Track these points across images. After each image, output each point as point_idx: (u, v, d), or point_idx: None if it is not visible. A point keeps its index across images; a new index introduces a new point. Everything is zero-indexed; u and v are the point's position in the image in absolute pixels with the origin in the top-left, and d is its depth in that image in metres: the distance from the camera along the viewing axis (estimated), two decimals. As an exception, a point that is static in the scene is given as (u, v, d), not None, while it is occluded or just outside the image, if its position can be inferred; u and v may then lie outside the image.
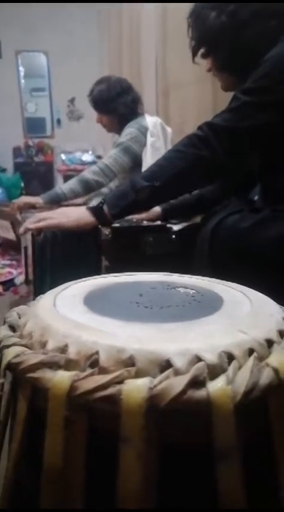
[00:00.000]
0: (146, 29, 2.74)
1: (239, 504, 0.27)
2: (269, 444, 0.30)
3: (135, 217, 1.11)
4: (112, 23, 3.23)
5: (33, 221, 0.93)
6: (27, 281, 1.21)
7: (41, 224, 0.92)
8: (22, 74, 4.03)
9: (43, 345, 0.31)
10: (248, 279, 0.46)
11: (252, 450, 0.29)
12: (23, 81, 4.05)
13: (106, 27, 3.41)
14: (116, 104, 1.71)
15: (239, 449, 0.27)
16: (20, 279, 1.77)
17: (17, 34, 3.80)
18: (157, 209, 1.12)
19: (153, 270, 0.53)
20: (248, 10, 0.83)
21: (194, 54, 0.93)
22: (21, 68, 4.01)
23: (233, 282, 0.46)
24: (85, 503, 0.28)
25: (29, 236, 0.97)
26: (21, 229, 0.98)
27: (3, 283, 1.74)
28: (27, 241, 1.04)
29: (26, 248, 1.14)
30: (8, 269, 1.94)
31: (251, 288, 0.43)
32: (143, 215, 1.10)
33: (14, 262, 2.06)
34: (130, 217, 1.10)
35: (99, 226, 0.94)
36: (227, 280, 0.48)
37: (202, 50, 0.92)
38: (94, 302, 0.38)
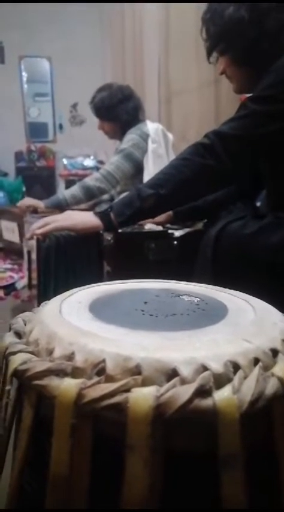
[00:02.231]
0: (149, 35, 2.76)
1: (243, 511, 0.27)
2: (273, 452, 0.30)
3: (148, 220, 1.11)
4: (115, 29, 3.26)
5: (40, 225, 0.93)
6: (30, 286, 1.21)
7: (48, 227, 0.92)
8: (25, 79, 4.06)
9: (50, 352, 0.31)
10: (251, 285, 0.46)
11: (256, 458, 0.29)
12: (25, 86, 4.08)
13: (109, 34, 3.44)
14: (118, 111, 1.72)
15: (244, 457, 0.27)
16: (21, 283, 1.77)
17: (20, 39, 3.83)
18: (168, 212, 1.12)
19: (155, 275, 0.53)
20: (267, 4, 0.81)
21: (209, 53, 0.92)
22: (24, 73, 4.04)
23: (236, 288, 0.47)
24: (90, 511, 0.28)
25: (33, 241, 0.98)
26: (28, 235, 0.98)
27: (5, 287, 1.74)
28: (31, 245, 1.04)
29: (29, 253, 1.14)
30: (9, 273, 1.94)
31: (253, 294, 0.43)
32: (156, 219, 1.10)
33: (16, 267, 2.06)
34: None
35: (101, 232, 0.95)
36: (230, 286, 0.48)
37: (219, 47, 0.90)
38: (100, 309, 0.38)
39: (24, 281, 1.72)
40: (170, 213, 1.12)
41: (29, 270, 1.19)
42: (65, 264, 0.98)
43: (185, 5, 2.15)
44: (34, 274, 1.05)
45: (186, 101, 2.37)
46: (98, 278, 0.99)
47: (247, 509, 0.27)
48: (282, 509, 0.31)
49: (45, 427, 0.30)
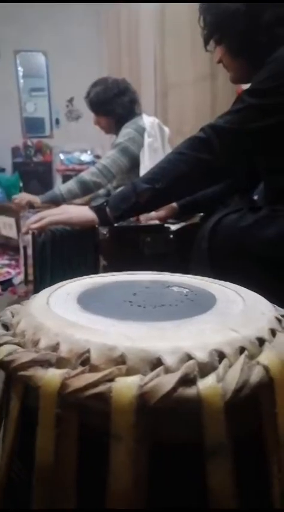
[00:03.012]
0: (145, 29, 2.74)
1: (229, 501, 0.27)
2: (260, 441, 0.30)
3: (153, 215, 1.11)
4: (111, 23, 3.24)
5: (35, 220, 0.93)
6: (26, 281, 1.21)
7: (43, 221, 0.92)
8: (21, 73, 4.03)
9: (35, 343, 0.31)
10: (246, 278, 0.46)
11: (244, 447, 0.29)
12: (21, 81, 4.05)
13: (105, 28, 3.42)
14: (113, 105, 1.71)
15: (230, 446, 0.27)
16: (18, 279, 1.77)
17: (16, 34, 3.79)
18: (173, 205, 1.11)
19: (151, 269, 0.53)
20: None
21: (206, 42, 0.91)
22: (20, 68, 4.01)
23: (231, 280, 0.46)
24: (76, 500, 0.28)
25: (29, 236, 0.97)
26: (23, 229, 0.98)
27: (2, 283, 1.74)
28: (27, 241, 1.04)
29: (25, 248, 1.14)
30: (6, 269, 1.94)
31: (249, 286, 0.43)
32: (161, 213, 1.10)
33: (13, 262, 2.06)
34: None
35: (97, 226, 0.94)
36: (225, 278, 0.48)
37: (215, 37, 0.89)
38: (88, 301, 0.38)
39: (21, 277, 1.72)
40: (173, 207, 1.11)
41: (25, 265, 1.19)
42: (61, 258, 0.98)
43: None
44: (30, 270, 1.05)
45: (182, 95, 2.36)
46: (94, 272, 0.99)
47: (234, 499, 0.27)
48: (270, 499, 0.31)
49: (32, 417, 0.30)
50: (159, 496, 0.28)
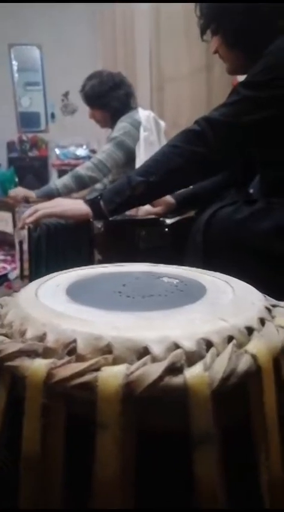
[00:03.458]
0: (139, 22, 2.72)
1: (216, 490, 0.27)
2: (248, 430, 0.30)
3: (151, 210, 1.10)
4: (106, 16, 3.21)
5: (30, 213, 0.92)
6: (22, 276, 1.20)
7: (37, 214, 0.91)
8: (15, 68, 4.00)
9: (22, 333, 0.31)
10: (241, 270, 0.45)
11: (231, 436, 0.29)
12: (16, 75, 4.02)
13: (100, 21, 3.39)
14: (109, 98, 1.70)
15: (218, 435, 0.27)
16: (14, 274, 1.76)
17: (10, 27, 3.76)
18: (172, 201, 1.11)
19: (146, 263, 0.52)
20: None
21: (202, 32, 0.90)
22: (14, 62, 3.98)
23: (226, 273, 0.46)
24: (63, 489, 0.28)
25: (25, 231, 0.97)
26: (19, 224, 0.97)
27: (-3, 278, 1.73)
28: (23, 236, 1.03)
29: (21, 242, 1.13)
30: (2, 264, 1.93)
31: (243, 279, 0.43)
32: (159, 208, 1.10)
33: (9, 258, 2.05)
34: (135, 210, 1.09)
35: (91, 220, 0.94)
36: (220, 271, 0.47)
37: (212, 26, 0.88)
38: (77, 292, 0.38)
39: (17, 272, 1.71)
40: (171, 203, 1.11)
41: (21, 260, 1.18)
42: (56, 253, 0.97)
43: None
44: (26, 265, 1.04)
45: (178, 88, 2.35)
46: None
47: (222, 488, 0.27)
48: (258, 487, 0.31)
49: (20, 408, 0.30)
50: (146, 485, 0.28)
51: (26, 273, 1.04)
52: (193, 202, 1.12)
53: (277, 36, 0.77)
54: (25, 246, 0.99)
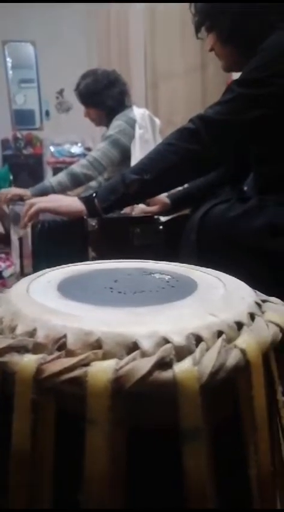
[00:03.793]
0: (134, 19, 2.72)
1: (205, 484, 0.27)
2: (237, 424, 0.30)
3: (146, 209, 1.10)
4: (101, 14, 3.20)
5: (26, 209, 0.92)
6: (22, 273, 1.19)
7: (33, 209, 0.91)
8: (10, 64, 3.97)
9: (12, 329, 0.31)
10: (234, 268, 0.46)
11: (220, 430, 0.29)
12: (10, 72, 3.99)
13: (94, 18, 3.37)
14: (103, 97, 1.69)
15: (207, 429, 0.27)
16: (8, 272, 1.76)
17: (4, 24, 3.73)
18: (166, 201, 1.11)
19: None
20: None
21: (197, 29, 0.90)
22: (8, 59, 3.95)
23: (219, 270, 0.46)
24: (53, 485, 0.28)
25: (28, 228, 0.96)
26: (21, 224, 0.96)
27: (-9, 276, 1.73)
28: (24, 232, 1.02)
29: (21, 239, 1.13)
30: (-5, 262, 1.93)
31: (236, 275, 0.43)
32: (153, 208, 1.10)
33: (3, 255, 2.05)
34: (129, 209, 1.09)
35: (85, 217, 0.94)
36: (214, 268, 0.48)
37: (206, 24, 0.88)
38: (68, 288, 0.38)
39: (11, 269, 1.71)
40: (165, 202, 1.11)
41: (21, 257, 1.17)
42: (56, 249, 0.97)
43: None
44: (27, 261, 1.04)
45: (173, 86, 2.34)
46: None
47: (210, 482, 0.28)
48: (247, 481, 0.31)
49: (11, 405, 0.30)
50: (137, 479, 0.28)
51: (27, 270, 1.04)
52: (188, 202, 1.12)
53: (270, 32, 0.77)
54: (28, 242, 0.98)
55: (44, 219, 0.95)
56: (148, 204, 1.11)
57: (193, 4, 0.89)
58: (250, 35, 0.82)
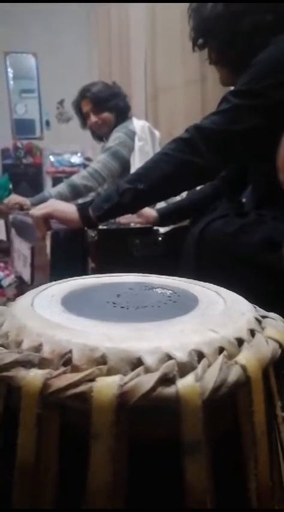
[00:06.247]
0: (135, 32, 2.76)
1: (205, 498, 0.27)
2: (237, 438, 0.30)
3: (133, 220, 1.11)
4: (101, 25, 3.24)
5: (35, 222, 0.93)
6: (32, 281, 1.19)
7: (34, 219, 0.93)
8: (11, 75, 4.02)
9: (18, 344, 0.32)
10: (233, 282, 0.47)
11: (221, 444, 0.30)
12: (11, 82, 4.04)
13: (95, 30, 3.43)
14: (116, 100, 1.71)
15: (208, 443, 0.28)
16: (7, 281, 1.76)
17: (6, 35, 3.78)
18: (153, 214, 1.12)
19: (140, 271, 0.53)
20: (241, 4, 0.82)
21: (194, 44, 0.93)
22: (9, 70, 4.00)
23: (218, 284, 0.47)
24: (57, 498, 0.28)
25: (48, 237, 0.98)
26: (39, 234, 0.97)
27: (-10, 285, 1.73)
28: (35, 243, 1.04)
29: (33, 248, 1.13)
30: (-6, 271, 1.93)
31: (236, 290, 0.44)
32: (141, 220, 1.11)
33: (2, 264, 2.05)
34: (121, 220, 1.10)
35: (85, 228, 0.94)
36: (212, 282, 0.48)
37: (199, 41, 0.91)
38: (72, 302, 0.39)
39: (10, 279, 1.71)
40: (153, 215, 1.12)
41: (32, 266, 1.18)
42: (68, 258, 0.98)
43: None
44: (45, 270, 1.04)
45: (173, 98, 2.37)
46: (82, 275, 0.99)
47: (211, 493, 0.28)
48: (246, 493, 0.31)
49: (15, 419, 0.30)
50: (139, 493, 0.29)
51: (40, 279, 1.04)
52: (179, 214, 1.13)
53: (256, 53, 0.79)
54: (47, 250, 0.99)
55: (59, 228, 0.96)
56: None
57: (190, 19, 0.91)
58: (237, 55, 0.85)
